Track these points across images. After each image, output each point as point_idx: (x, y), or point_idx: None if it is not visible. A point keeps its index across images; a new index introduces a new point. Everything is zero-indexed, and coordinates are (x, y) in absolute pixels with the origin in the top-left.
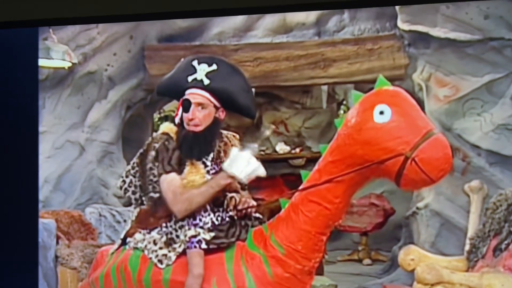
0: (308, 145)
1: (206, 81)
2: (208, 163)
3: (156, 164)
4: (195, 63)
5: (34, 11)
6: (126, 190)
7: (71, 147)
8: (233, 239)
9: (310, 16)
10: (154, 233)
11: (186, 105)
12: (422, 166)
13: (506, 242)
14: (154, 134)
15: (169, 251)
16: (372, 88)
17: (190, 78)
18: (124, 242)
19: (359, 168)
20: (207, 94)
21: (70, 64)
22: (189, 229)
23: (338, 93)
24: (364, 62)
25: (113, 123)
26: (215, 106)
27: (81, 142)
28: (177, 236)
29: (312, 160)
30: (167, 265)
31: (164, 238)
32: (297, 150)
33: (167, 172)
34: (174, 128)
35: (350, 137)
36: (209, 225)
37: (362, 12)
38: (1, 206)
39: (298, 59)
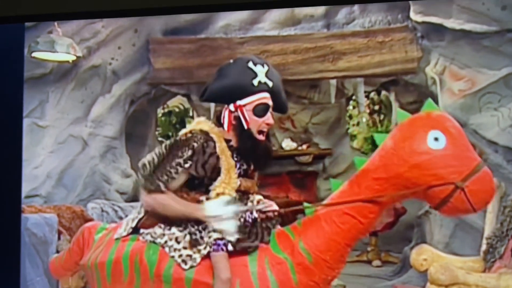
0: (315, 141)
1: (270, 83)
2: (244, 166)
3: (189, 163)
4: (251, 65)
5: (20, 7)
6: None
7: (74, 142)
8: (257, 242)
9: (319, 8)
10: (175, 230)
11: (264, 110)
12: (470, 197)
13: None
14: (190, 127)
15: (194, 253)
16: (386, 82)
17: (255, 82)
18: (135, 231)
19: (407, 191)
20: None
21: (74, 58)
22: (214, 231)
23: (347, 88)
24: (375, 55)
25: (116, 117)
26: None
27: (84, 137)
28: (201, 238)
29: (319, 157)
30: (191, 266)
31: (187, 238)
32: (304, 146)
33: (199, 175)
34: (216, 129)
35: (400, 158)
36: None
37: (373, 4)
38: None
39: (306, 52)
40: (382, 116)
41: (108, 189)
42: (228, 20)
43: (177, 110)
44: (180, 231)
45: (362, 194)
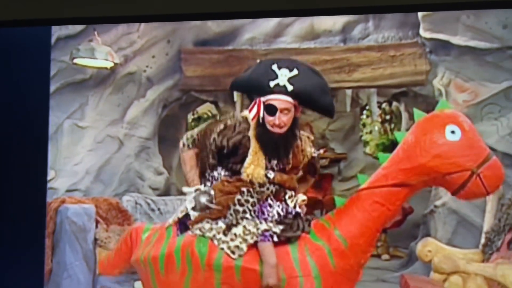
0: (331, 146)
1: (290, 87)
2: (274, 161)
3: (219, 136)
4: (275, 67)
5: (47, 10)
6: (188, 146)
7: (111, 142)
8: (298, 232)
9: (336, 23)
10: (220, 223)
11: (272, 110)
12: (485, 181)
13: None
14: (237, 114)
15: (240, 243)
16: (397, 93)
17: (272, 84)
18: (184, 228)
19: (428, 178)
20: (290, 99)
21: (112, 64)
22: (260, 222)
23: (362, 98)
24: (387, 68)
25: (150, 120)
26: (295, 106)
27: (120, 137)
28: (237, 224)
29: (335, 161)
30: (239, 255)
31: (236, 229)
32: (322, 151)
33: (222, 147)
34: (252, 121)
35: (422, 150)
36: (276, 217)
37: (386, 21)
38: (10, 204)
39: (325, 63)
40: (393, 125)
41: (142, 185)
42: (254, 34)
43: (205, 116)
44: (224, 222)
45: (390, 183)
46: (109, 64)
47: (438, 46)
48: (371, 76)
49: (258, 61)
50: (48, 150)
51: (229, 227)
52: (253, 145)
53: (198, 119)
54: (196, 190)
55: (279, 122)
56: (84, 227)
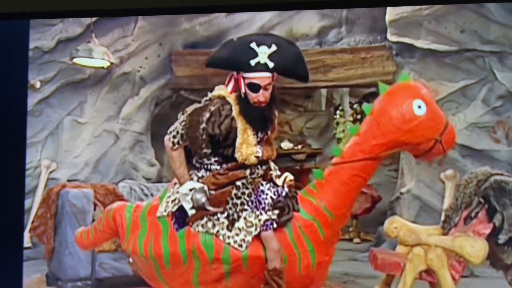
0: (308, 142)
1: (271, 64)
2: (259, 134)
3: (209, 124)
4: (253, 45)
5: (26, 4)
6: (177, 143)
7: (108, 136)
8: (291, 213)
9: (313, 28)
10: (222, 219)
11: (255, 88)
12: (445, 145)
13: (475, 211)
14: (210, 94)
15: (245, 236)
16: (367, 94)
17: (253, 62)
18: (182, 223)
19: (399, 148)
20: (270, 74)
21: (108, 64)
22: (260, 213)
23: (335, 98)
24: (358, 69)
25: (143, 116)
26: (273, 77)
27: (116, 132)
28: (238, 218)
29: (311, 156)
30: (246, 247)
31: (238, 223)
32: (299, 147)
33: (214, 134)
34: (232, 95)
35: (395, 126)
36: (270, 202)
37: (358, 26)
38: None
39: None
40: None
41: (136, 175)
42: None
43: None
44: (226, 217)
45: (366, 157)
46: (105, 64)
47: (404, 49)
48: (344, 76)
49: (234, 38)
50: (26, 146)
51: (232, 222)
52: (241, 124)
53: None
54: (191, 190)
55: (264, 98)
56: (83, 209)
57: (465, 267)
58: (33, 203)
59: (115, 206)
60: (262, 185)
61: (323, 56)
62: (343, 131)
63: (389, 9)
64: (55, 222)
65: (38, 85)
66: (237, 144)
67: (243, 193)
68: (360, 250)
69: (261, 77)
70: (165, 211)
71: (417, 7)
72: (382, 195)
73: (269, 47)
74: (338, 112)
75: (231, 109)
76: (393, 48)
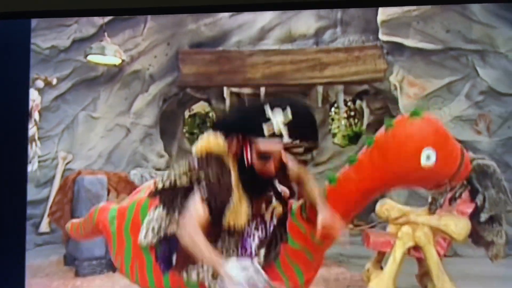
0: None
1: (285, 132)
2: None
3: (204, 192)
4: (267, 109)
5: (27, 3)
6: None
7: (119, 130)
8: (278, 247)
9: (310, 29)
10: (207, 266)
11: (266, 157)
12: (460, 176)
13: (459, 192)
14: (204, 145)
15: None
16: (360, 92)
17: (265, 129)
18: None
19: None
20: (283, 141)
21: (120, 61)
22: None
23: (331, 96)
24: (352, 66)
25: (152, 111)
26: None
27: (127, 126)
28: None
29: (308, 150)
30: None
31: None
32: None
33: (208, 197)
34: (230, 155)
35: (395, 174)
36: (258, 242)
37: (352, 27)
38: None
39: (300, 62)
40: (356, 120)
41: (146, 166)
42: (240, 37)
43: (200, 113)
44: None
45: (359, 190)
46: (117, 61)
47: (394, 48)
48: (339, 73)
49: (245, 101)
50: (28, 146)
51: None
52: (237, 193)
53: (194, 116)
54: (243, 270)
55: (274, 169)
56: (97, 194)
57: (449, 244)
58: (51, 192)
59: (98, 209)
60: (248, 225)
61: (320, 55)
62: (338, 127)
63: (380, 10)
64: (71, 207)
65: (54, 82)
66: (227, 211)
67: (229, 243)
68: (353, 234)
69: (273, 146)
70: (145, 238)
71: (406, 8)
72: None
73: (284, 110)
74: (333, 109)
75: (230, 178)
76: (384, 48)
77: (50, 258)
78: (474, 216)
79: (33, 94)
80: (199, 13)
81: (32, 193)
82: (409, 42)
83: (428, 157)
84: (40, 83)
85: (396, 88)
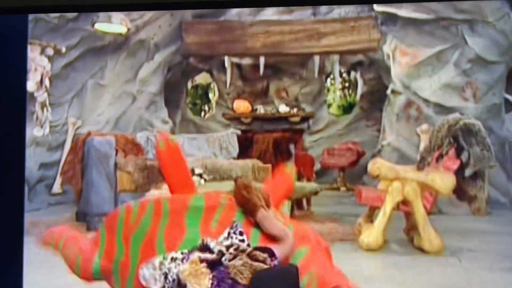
0: (302, 106)
1: None
2: None
3: None
4: None
5: None
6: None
7: (126, 97)
8: None
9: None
10: None
11: None
12: None
13: (445, 149)
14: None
15: None
16: (354, 63)
17: None
18: None
19: None
20: None
21: (126, 30)
22: None
23: (327, 66)
24: (348, 36)
25: (157, 79)
26: None
27: (133, 93)
28: None
29: (305, 118)
30: None
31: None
32: (295, 110)
33: None
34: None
35: None
36: None
37: None
38: None
39: (298, 32)
40: (350, 91)
41: (151, 131)
42: (241, 8)
43: (202, 84)
44: None
45: None
46: (123, 30)
47: (387, 19)
48: (335, 43)
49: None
50: (26, 138)
51: None
52: None
53: (196, 87)
54: None
55: None
56: (106, 154)
57: (435, 199)
58: (62, 155)
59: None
60: None
61: (317, 25)
62: (333, 98)
63: None
64: (82, 166)
65: (63, 50)
66: None
67: None
68: (346, 196)
69: None
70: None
71: None
72: (366, 151)
73: None
74: (329, 79)
75: None
76: (379, 18)
77: (63, 215)
78: (459, 172)
79: (43, 61)
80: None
81: (45, 156)
82: (402, 12)
83: None
84: (50, 51)
85: (389, 57)
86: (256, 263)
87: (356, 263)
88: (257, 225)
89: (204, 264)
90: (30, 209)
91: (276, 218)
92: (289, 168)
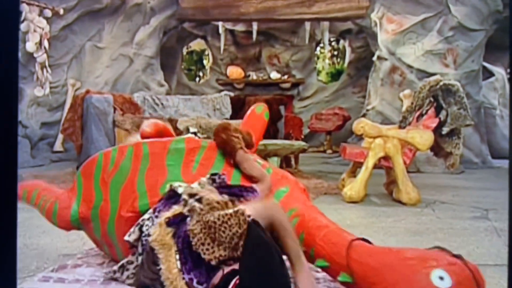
0: (293, 73)
1: None
2: None
3: None
4: None
5: None
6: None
7: (123, 59)
8: None
9: None
10: None
11: None
12: None
13: (426, 109)
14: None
15: None
16: (343, 30)
17: None
18: None
19: None
20: None
21: None
22: None
23: (317, 34)
24: (337, 3)
25: (154, 42)
26: None
27: (130, 56)
28: None
29: (295, 85)
30: None
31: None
32: (286, 77)
33: None
34: None
35: None
36: None
37: None
38: None
39: None
40: (339, 59)
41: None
42: None
43: (197, 50)
44: None
45: None
46: None
47: None
48: (325, 9)
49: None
50: (18, 127)
51: None
52: None
53: (191, 53)
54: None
55: None
56: (105, 111)
57: (414, 154)
58: (63, 115)
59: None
60: None
61: None
62: (323, 66)
63: None
64: (82, 122)
65: (61, 11)
66: None
67: None
68: (332, 157)
69: None
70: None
71: None
72: (352, 115)
73: None
74: (318, 48)
75: None
76: None
77: (65, 170)
78: (437, 130)
79: (42, 23)
80: None
81: (46, 115)
82: None
83: (441, 278)
84: (47, 12)
85: (376, 25)
86: (216, 225)
87: (339, 212)
88: (237, 167)
89: (171, 229)
90: (33, 164)
91: (255, 161)
92: (260, 109)
